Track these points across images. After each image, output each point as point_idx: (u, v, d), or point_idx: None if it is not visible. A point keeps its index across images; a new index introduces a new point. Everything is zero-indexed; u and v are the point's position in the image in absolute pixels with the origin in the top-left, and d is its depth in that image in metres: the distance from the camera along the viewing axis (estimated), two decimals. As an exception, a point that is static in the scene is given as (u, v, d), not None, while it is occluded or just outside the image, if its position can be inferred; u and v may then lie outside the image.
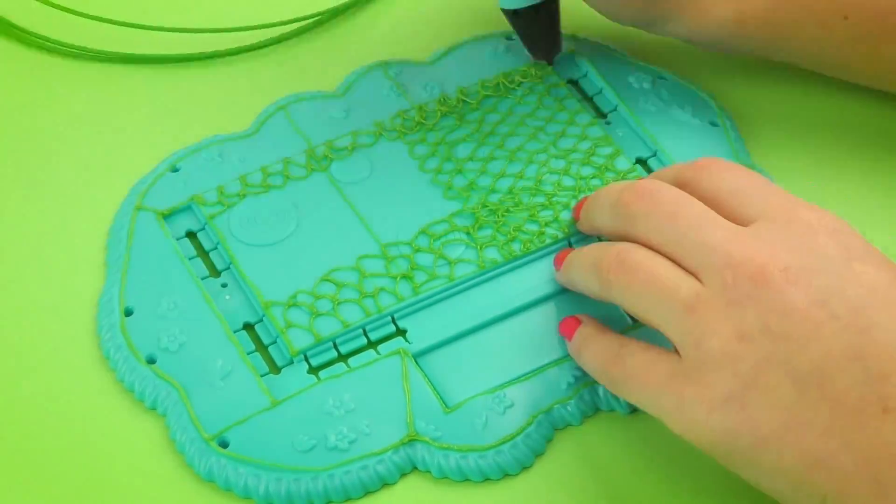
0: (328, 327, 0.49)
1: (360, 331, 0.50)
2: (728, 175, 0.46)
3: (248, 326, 0.50)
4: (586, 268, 0.47)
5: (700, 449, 0.42)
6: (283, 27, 0.60)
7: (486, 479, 0.47)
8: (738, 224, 0.44)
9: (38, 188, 0.55)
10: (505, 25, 0.58)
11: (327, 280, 0.51)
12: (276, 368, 0.49)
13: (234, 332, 0.50)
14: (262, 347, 0.50)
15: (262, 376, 0.48)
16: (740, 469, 0.42)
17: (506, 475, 0.47)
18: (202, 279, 0.51)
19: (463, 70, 0.58)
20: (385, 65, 0.58)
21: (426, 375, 0.48)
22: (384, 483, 0.46)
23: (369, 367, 0.49)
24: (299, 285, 0.50)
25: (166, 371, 0.48)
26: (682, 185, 0.46)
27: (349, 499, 0.46)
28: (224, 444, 0.47)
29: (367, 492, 0.46)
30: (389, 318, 0.50)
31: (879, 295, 0.41)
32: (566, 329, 0.48)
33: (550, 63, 0.58)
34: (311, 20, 0.61)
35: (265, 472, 0.46)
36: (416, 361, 0.49)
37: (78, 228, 0.53)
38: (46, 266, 0.52)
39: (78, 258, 0.52)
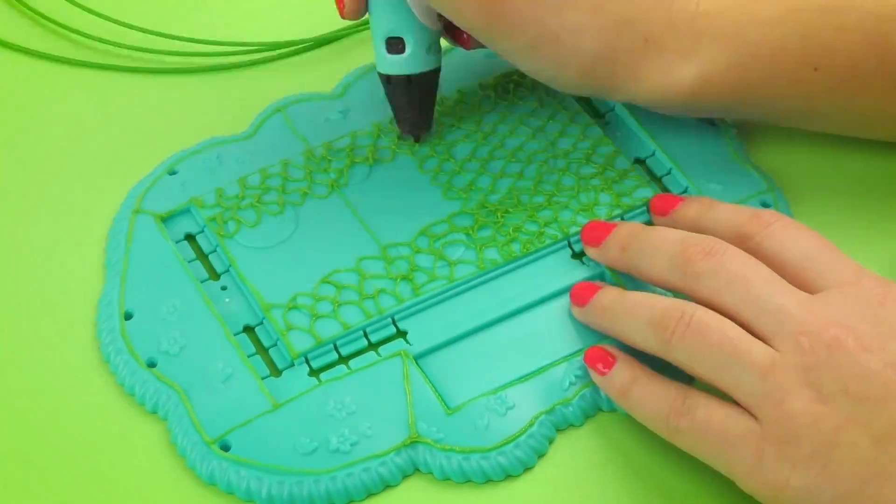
0: (329, 329, 0.49)
1: (361, 333, 0.50)
2: (795, 237, 0.46)
3: (248, 329, 0.50)
4: (640, 322, 0.46)
5: None
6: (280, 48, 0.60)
7: (489, 481, 0.46)
8: (804, 289, 0.44)
9: (36, 191, 0.55)
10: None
11: (327, 282, 0.51)
12: (276, 371, 0.49)
13: (235, 334, 0.50)
14: (262, 350, 0.50)
15: (262, 379, 0.48)
16: None
17: (508, 476, 0.47)
18: (202, 282, 0.51)
19: (461, 71, 0.58)
20: (382, 66, 0.58)
21: (427, 377, 0.48)
22: (386, 485, 0.46)
23: (370, 368, 0.49)
24: (299, 288, 0.50)
25: (167, 374, 0.48)
26: (744, 237, 0.47)
27: (351, 501, 0.46)
28: (225, 448, 0.47)
29: (370, 494, 0.46)
30: (390, 319, 0.50)
31: None
32: (599, 360, 0.47)
33: (417, 141, 0.55)
34: (307, 44, 0.60)
35: (267, 474, 0.46)
36: (416, 363, 0.49)
37: (76, 232, 0.53)
38: (45, 270, 0.52)
39: (77, 262, 0.52)
